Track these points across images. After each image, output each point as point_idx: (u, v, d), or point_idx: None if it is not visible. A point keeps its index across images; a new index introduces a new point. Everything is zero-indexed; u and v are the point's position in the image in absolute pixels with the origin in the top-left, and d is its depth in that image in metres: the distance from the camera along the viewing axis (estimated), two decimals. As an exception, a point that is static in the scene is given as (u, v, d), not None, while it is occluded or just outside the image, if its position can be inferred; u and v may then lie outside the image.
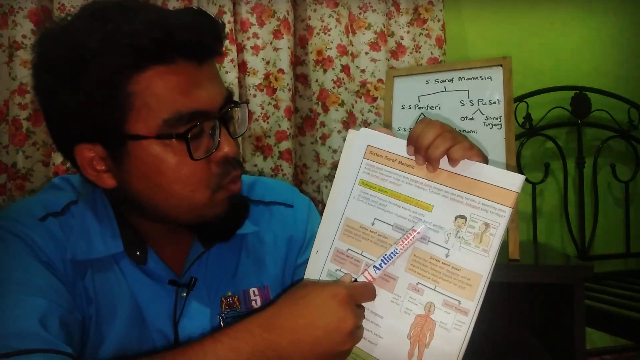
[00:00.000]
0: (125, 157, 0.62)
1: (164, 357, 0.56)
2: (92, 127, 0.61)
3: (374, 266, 0.63)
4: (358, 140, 0.69)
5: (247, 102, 0.72)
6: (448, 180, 0.62)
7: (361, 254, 0.67)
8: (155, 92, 0.59)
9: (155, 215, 0.66)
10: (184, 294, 0.71)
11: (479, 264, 0.60)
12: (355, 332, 0.59)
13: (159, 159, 0.61)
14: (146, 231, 0.70)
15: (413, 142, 0.63)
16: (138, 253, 0.68)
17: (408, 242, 0.62)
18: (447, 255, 0.61)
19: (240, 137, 0.68)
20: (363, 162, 0.69)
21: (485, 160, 0.62)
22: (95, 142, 0.62)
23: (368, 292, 0.63)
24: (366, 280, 0.63)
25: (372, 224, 0.67)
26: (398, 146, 0.66)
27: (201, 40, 0.61)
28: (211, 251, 0.73)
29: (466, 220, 0.61)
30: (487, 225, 0.60)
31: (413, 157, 0.64)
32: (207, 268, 0.74)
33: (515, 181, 0.59)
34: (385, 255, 0.63)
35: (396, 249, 0.63)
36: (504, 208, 0.59)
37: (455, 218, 0.61)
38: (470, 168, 0.61)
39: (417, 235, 0.62)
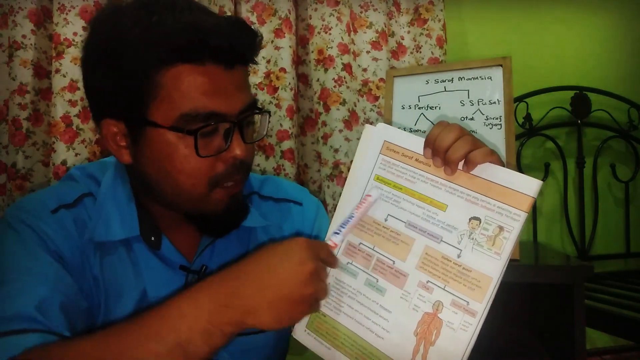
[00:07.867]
0: (142, 140, 0.66)
1: (135, 321, 0.57)
2: (119, 107, 0.66)
3: (334, 232, 0.66)
4: (375, 136, 0.69)
5: (268, 112, 0.74)
6: (464, 181, 0.62)
7: (373, 249, 0.67)
8: (179, 88, 0.63)
9: (161, 199, 0.70)
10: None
11: (490, 266, 0.60)
12: (316, 279, 0.60)
13: (171, 148, 0.65)
14: (161, 218, 0.73)
15: (431, 144, 0.63)
16: (153, 238, 0.72)
17: (364, 207, 0.66)
18: (459, 256, 0.61)
19: (254, 143, 0.72)
20: (379, 158, 0.69)
21: (502, 165, 0.62)
22: (120, 120, 0.67)
23: (326, 249, 0.64)
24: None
25: (385, 220, 0.67)
26: (415, 143, 0.66)
27: (232, 47, 0.64)
28: (220, 243, 0.76)
29: (480, 222, 0.61)
30: (501, 228, 0.60)
31: (430, 159, 0.64)
32: (217, 258, 0.76)
33: (532, 186, 0.59)
34: (342, 221, 0.66)
35: (352, 215, 0.66)
36: (519, 212, 0.59)
37: (470, 219, 0.61)
38: (487, 170, 0.61)
39: (371, 199, 0.66)
